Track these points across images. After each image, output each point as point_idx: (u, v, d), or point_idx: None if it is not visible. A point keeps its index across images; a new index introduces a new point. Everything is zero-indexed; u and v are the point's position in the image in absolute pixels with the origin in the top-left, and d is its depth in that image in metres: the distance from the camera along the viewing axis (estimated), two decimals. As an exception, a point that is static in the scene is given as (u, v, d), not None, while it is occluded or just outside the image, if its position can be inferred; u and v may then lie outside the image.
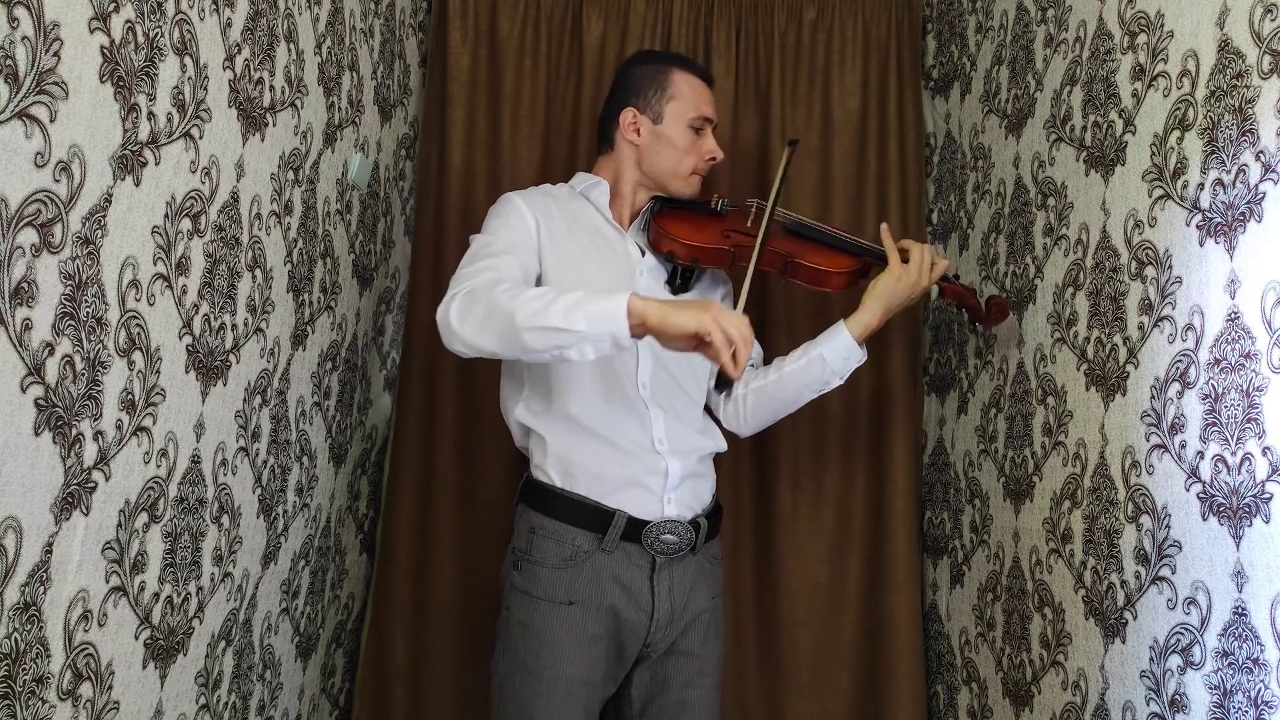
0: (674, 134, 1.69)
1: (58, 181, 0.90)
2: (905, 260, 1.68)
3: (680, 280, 1.69)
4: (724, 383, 1.40)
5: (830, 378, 1.67)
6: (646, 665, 1.58)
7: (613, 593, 1.52)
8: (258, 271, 1.38)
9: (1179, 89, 1.30)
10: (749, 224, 1.71)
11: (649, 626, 1.54)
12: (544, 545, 1.53)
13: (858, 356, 1.66)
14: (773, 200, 1.65)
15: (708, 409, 1.75)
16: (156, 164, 1.08)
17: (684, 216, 1.70)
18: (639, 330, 1.29)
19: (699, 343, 1.28)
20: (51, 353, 0.91)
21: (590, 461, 1.55)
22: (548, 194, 1.70)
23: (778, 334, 2.03)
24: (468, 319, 1.38)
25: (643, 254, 1.69)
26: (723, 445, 1.70)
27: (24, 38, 0.84)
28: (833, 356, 1.64)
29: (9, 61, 0.82)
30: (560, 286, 1.56)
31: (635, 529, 1.53)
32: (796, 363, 1.67)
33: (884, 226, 1.75)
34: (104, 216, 0.98)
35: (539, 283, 1.58)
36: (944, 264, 1.70)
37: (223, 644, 1.35)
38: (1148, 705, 1.28)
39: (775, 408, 1.72)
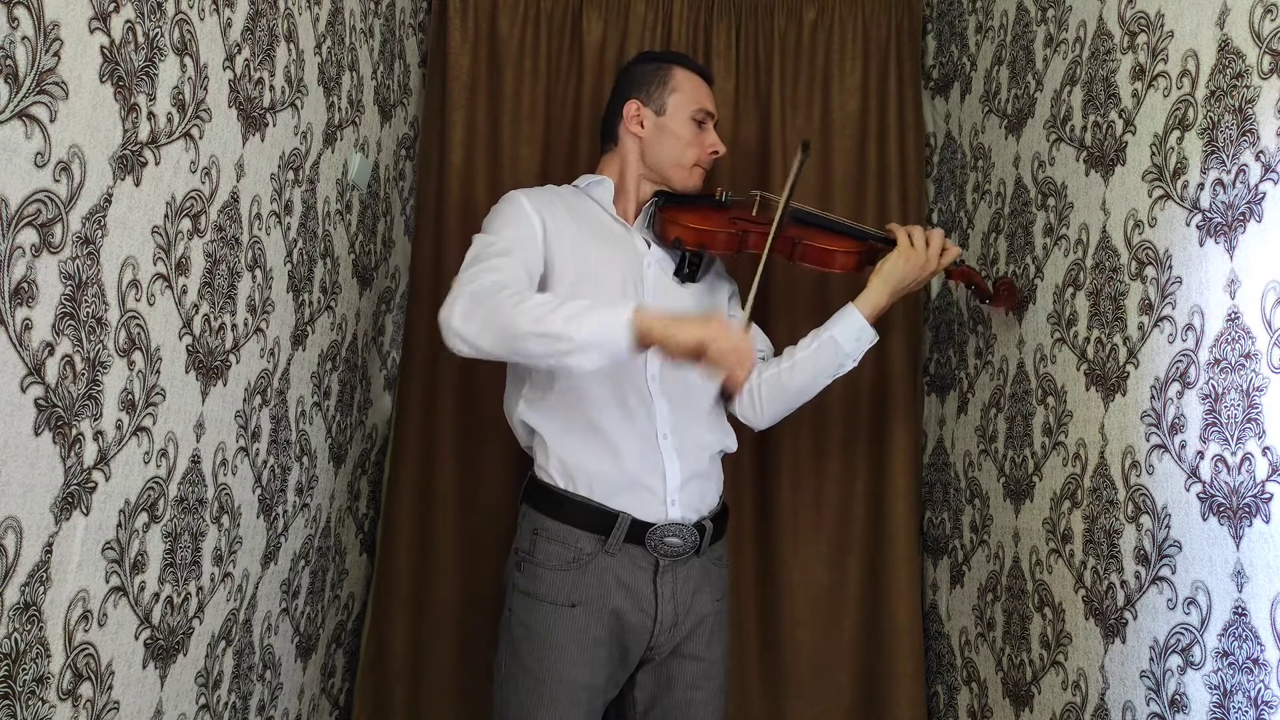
0: (677, 125, 1.70)
1: (58, 181, 0.90)
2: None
3: (688, 270, 1.69)
4: (724, 395, 1.42)
5: (844, 360, 1.66)
6: (650, 667, 1.58)
7: (616, 595, 1.51)
8: (258, 271, 1.38)
9: (1179, 89, 1.30)
10: (754, 213, 1.73)
11: (652, 629, 1.54)
12: (547, 547, 1.53)
13: (869, 336, 1.66)
14: (783, 203, 1.61)
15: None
16: (156, 164, 1.08)
17: (690, 207, 1.71)
18: (645, 341, 1.31)
19: (700, 356, 1.29)
20: (51, 353, 0.91)
21: (591, 463, 1.54)
22: (551, 192, 1.71)
23: (777, 323, 2.03)
24: (470, 320, 1.39)
25: (649, 247, 1.69)
26: (732, 444, 1.69)
27: (24, 38, 0.84)
28: (844, 337, 1.64)
29: (9, 61, 0.82)
30: (569, 281, 1.57)
31: (639, 531, 1.52)
32: (808, 348, 1.67)
33: (891, 224, 1.76)
34: (104, 216, 0.98)
35: (544, 281, 1.58)
36: (953, 251, 1.70)
37: (223, 644, 1.35)
38: (1148, 705, 1.28)
39: (790, 396, 1.70)
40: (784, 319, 2.06)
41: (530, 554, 1.54)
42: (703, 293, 1.71)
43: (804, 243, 1.69)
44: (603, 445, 1.54)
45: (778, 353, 1.75)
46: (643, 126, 1.71)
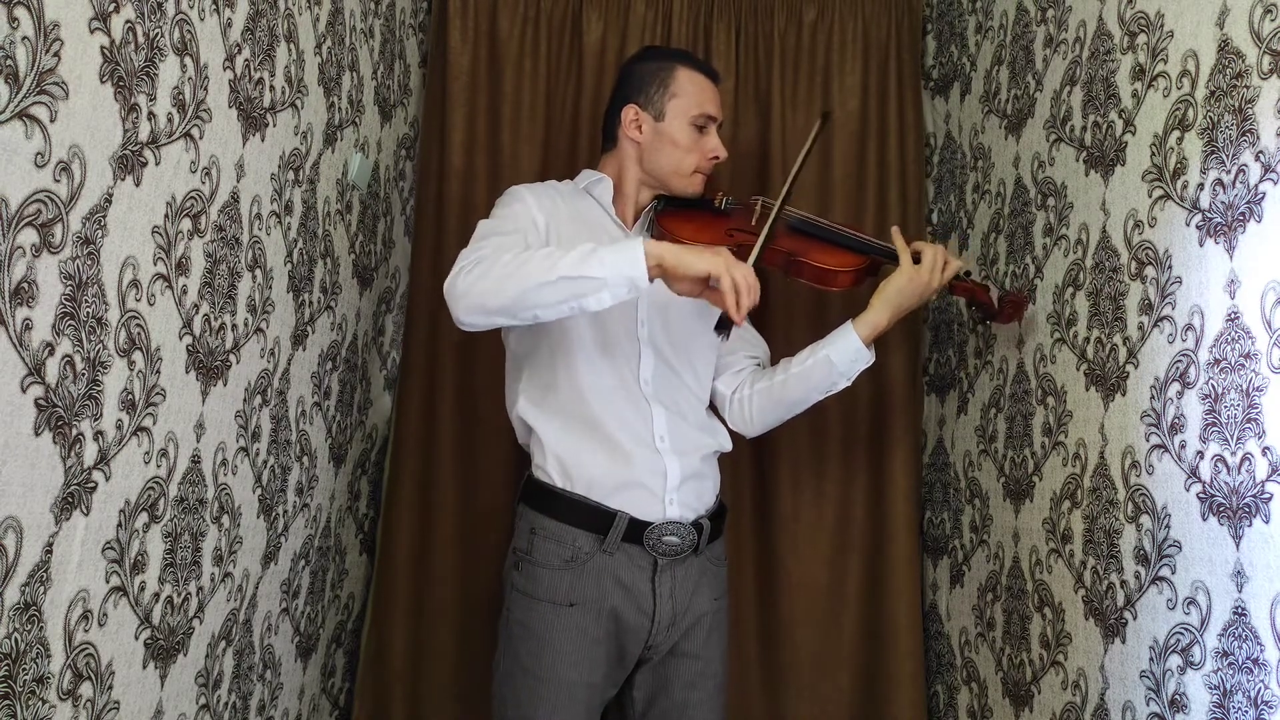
0: (676, 132, 1.67)
1: (58, 181, 0.90)
2: (917, 261, 1.64)
3: None
4: (723, 325, 1.41)
5: (837, 379, 1.65)
6: (649, 667, 1.58)
7: (614, 595, 1.51)
8: (258, 271, 1.38)
9: (1179, 89, 1.30)
10: (754, 222, 1.70)
11: (650, 629, 1.54)
12: (544, 546, 1.53)
13: (865, 358, 1.64)
14: (797, 167, 1.60)
15: (713, 408, 1.74)
16: (156, 164, 1.08)
17: (688, 216, 1.69)
18: (656, 271, 1.36)
19: (706, 286, 1.37)
20: (51, 353, 0.91)
21: (588, 462, 1.54)
22: (553, 189, 1.70)
23: (775, 334, 2.03)
24: (478, 284, 1.39)
25: None
26: (727, 444, 1.69)
27: (24, 38, 0.84)
28: (839, 358, 1.63)
29: (9, 61, 0.82)
30: None
31: (637, 530, 1.52)
32: (803, 364, 1.66)
33: (895, 229, 1.72)
34: (104, 216, 0.98)
35: None
36: (956, 264, 1.67)
37: (223, 644, 1.35)
38: (1148, 705, 1.28)
39: (781, 409, 1.71)
40: (781, 324, 2.06)
41: (528, 553, 1.54)
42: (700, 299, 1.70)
43: (799, 259, 1.64)
44: (602, 445, 1.55)
45: (775, 360, 1.75)
46: (641, 132, 1.68)
